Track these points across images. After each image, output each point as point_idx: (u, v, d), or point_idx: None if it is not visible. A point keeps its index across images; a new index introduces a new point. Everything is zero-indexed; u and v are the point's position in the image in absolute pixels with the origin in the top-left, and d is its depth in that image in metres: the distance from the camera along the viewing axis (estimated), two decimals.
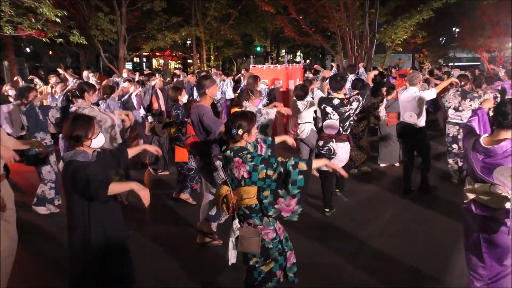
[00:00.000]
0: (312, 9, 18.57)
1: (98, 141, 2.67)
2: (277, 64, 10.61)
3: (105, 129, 4.77)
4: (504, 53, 22.08)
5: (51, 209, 5.36)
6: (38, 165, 5.10)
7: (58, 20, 9.31)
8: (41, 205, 5.29)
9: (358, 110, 4.88)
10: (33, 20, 9.59)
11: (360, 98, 4.78)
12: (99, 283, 2.67)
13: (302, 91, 6.25)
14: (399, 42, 18.06)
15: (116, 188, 2.55)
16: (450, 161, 6.35)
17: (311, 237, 4.51)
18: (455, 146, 6.20)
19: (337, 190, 5.71)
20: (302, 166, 2.67)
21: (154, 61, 31.69)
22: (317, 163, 2.95)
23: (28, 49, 25.11)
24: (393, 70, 15.14)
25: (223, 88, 10.22)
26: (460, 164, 6.23)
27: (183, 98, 5.78)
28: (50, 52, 25.80)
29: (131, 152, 3.15)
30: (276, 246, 2.97)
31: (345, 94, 5.01)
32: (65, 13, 9.41)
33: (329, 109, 4.80)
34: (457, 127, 6.10)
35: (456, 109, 6.08)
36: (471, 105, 5.91)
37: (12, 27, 9.42)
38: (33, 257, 4.19)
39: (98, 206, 2.60)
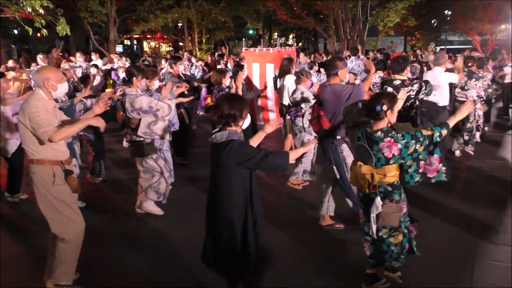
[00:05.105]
0: None
1: (248, 121, 2.77)
2: (270, 47, 10.54)
3: (162, 118, 4.44)
4: (495, 36, 22.11)
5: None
6: None
7: (42, 11, 9.07)
8: None
9: (419, 96, 4.91)
10: (21, 4, 9.37)
11: (423, 84, 4.83)
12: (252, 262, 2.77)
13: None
14: (391, 25, 18.00)
15: (293, 156, 2.74)
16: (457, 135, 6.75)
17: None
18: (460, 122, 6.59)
19: None
20: (445, 133, 2.95)
21: (145, 44, 31.25)
22: (452, 122, 3.05)
23: (15, 31, 24.58)
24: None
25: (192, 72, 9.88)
26: (466, 138, 6.65)
27: (227, 82, 5.65)
28: (38, 35, 25.26)
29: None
30: (405, 220, 3.15)
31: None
32: (51, 6, 9.18)
33: (390, 90, 4.80)
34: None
35: (462, 88, 6.58)
36: (476, 84, 6.51)
37: None
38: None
39: (254, 183, 2.73)
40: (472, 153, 6.77)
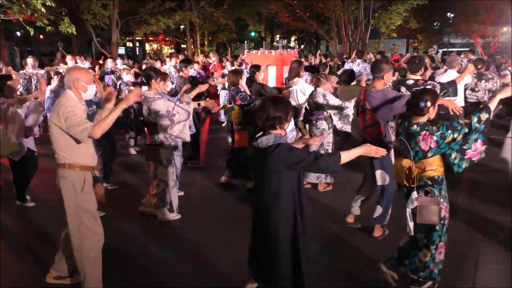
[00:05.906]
0: None
1: (291, 124, 2.72)
2: (272, 50, 10.56)
3: (178, 122, 4.36)
4: (498, 39, 22.10)
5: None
6: None
7: (43, 10, 9.09)
8: None
9: None
10: (23, 6, 9.39)
11: (438, 86, 4.78)
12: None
13: (349, 76, 6.32)
14: (394, 27, 18.00)
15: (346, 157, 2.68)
16: None
17: None
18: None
19: None
20: (485, 116, 2.87)
21: (147, 46, 31.38)
22: (493, 104, 3.00)
23: (18, 33, 24.70)
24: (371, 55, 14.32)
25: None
26: None
27: (243, 82, 5.46)
28: (41, 36, 25.41)
29: None
30: (440, 230, 3.09)
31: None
32: (53, 4, 9.19)
33: (403, 89, 4.79)
34: (473, 106, 6.66)
35: (473, 90, 6.75)
36: (486, 86, 6.64)
37: (1, 12, 9.24)
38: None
39: (302, 184, 2.74)
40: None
